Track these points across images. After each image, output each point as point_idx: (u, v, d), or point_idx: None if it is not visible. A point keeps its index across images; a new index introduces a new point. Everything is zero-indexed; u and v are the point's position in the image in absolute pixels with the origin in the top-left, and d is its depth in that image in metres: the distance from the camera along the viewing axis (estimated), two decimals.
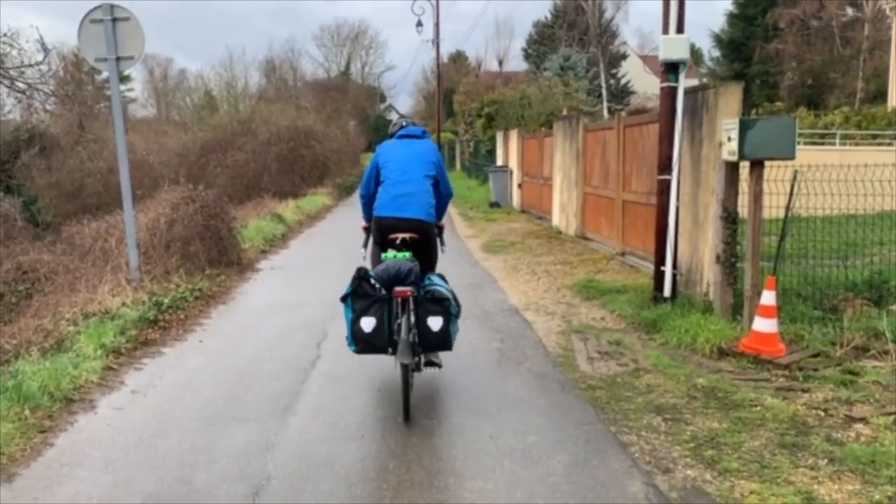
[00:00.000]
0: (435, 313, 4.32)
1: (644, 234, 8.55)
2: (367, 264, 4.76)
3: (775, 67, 35.42)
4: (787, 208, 5.70)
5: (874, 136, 17.56)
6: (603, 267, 9.41)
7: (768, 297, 5.27)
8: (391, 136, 5.11)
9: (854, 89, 31.07)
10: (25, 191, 14.32)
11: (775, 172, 5.77)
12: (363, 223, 5.20)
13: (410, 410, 4.37)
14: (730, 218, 6.04)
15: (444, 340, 4.39)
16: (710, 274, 6.44)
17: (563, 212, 13.11)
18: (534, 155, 16.41)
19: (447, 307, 4.36)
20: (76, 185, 16.47)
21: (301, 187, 21.66)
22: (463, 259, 10.61)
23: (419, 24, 35.71)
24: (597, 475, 3.63)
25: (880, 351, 5.20)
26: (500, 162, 21.14)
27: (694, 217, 6.77)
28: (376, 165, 4.90)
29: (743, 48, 36.87)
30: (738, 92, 6.26)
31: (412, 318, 4.32)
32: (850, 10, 33.57)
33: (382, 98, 65.41)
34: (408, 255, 4.55)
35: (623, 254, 9.80)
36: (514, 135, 19.41)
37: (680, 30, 6.51)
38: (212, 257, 9.33)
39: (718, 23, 45.97)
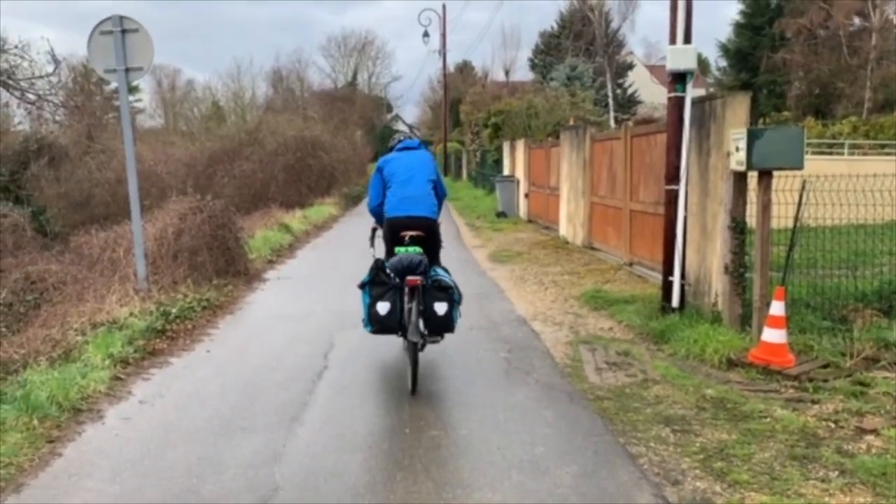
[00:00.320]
0: (441, 299, 4.99)
1: (652, 244, 8.52)
2: (376, 255, 5.35)
3: (782, 77, 35.35)
4: (796, 218, 5.68)
5: (882, 146, 17.53)
6: (610, 277, 9.39)
7: (777, 308, 5.25)
8: (391, 149, 5.81)
9: (862, 99, 30.94)
10: (34, 201, 14.36)
11: (783, 182, 5.76)
12: (373, 224, 5.86)
13: (417, 384, 5.00)
14: (738, 228, 6.03)
15: (448, 323, 5.04)
16: (718, 284, 6.42)
17: (570, 222, 13.10)
18: (540, 165, 16.42)
19: (451, 294, 5.05)
20: (84, 196, 16.53)
21: (308, 197, 21.68)
22: (470, 269, 10.59)
23: (426, 34, 36.05)
24: (605, 487, 3.61)
25: (891, 362, 5.17)
26: (506, 172, 21.16)
27: (702, 227, 6.75)
28: (382, 176, 5.56)
29: (750, 58, 36.80)
30: (746, 102, 6.25)
31: (421, 304, 4.92)
32: (857, 20, 33.47)
33: (389, 108, 65.54)
34: (418, 249, 5.16)
35: (631, 264, 9.78)
36: (520, 145, 19.44)
37: (687, 40, 6.53)
38: (219, 267, 9.34)
39: (725, 32, 46.11)
